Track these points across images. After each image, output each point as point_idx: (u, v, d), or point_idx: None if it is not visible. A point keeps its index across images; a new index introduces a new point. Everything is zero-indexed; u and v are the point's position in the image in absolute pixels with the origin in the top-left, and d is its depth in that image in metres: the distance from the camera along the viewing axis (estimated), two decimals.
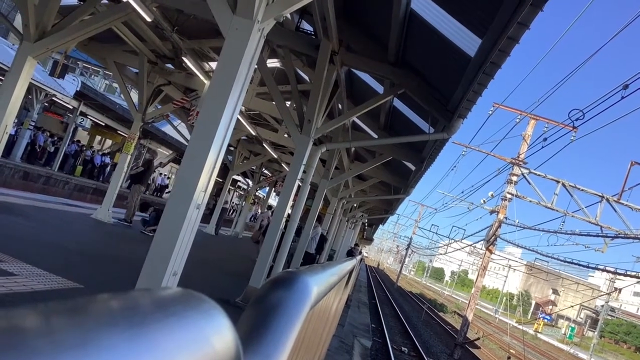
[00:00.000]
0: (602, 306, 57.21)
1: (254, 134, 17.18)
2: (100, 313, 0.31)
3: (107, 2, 10.71)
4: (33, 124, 24.83)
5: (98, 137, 37.85)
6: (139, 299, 0.35)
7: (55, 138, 28.60)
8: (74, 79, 26.27)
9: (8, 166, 21.37)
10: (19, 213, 10.69)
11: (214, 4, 4.77)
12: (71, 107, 27.08)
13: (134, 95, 15.75)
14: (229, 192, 27.87)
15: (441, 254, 69.36)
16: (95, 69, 43.48)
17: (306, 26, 9.77)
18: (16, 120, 11.85)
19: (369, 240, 64.61)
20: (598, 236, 21.91)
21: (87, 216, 13.52)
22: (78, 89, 25.56)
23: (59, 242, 9.35)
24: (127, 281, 7.93)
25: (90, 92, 26.75)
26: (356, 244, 36.59)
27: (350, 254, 33.05)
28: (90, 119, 31.93)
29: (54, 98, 24.91)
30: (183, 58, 12.04)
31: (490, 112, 21.30)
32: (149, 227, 14.43)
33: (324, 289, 1.27)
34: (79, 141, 31.14)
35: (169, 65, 14.12)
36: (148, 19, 9.61)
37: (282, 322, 0.63)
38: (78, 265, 7.97)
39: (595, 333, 54.12)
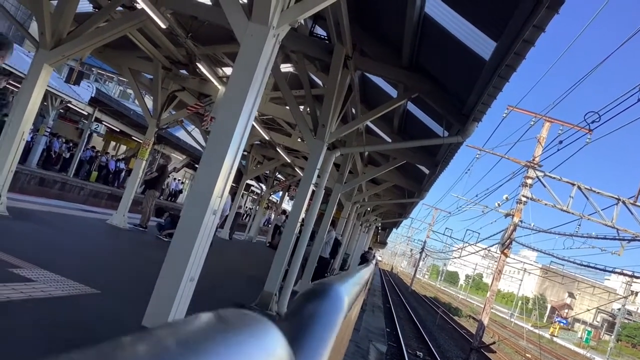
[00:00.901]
0: (619, 309, 56.64)
1: (267, 138, 17.22)
2: (177, 337, 0.33)
3: (121, 9, 10.79)
4: (49, 130, 25.05)
5: (112, 143, 38.14)
6: (207, 321, 0.36)
7: (71, 144, 28.84)
8: (88, 86, 26.49)
9: (24, 172, 21.58)
10: (36, 219, 10.78)
11: (230, 10, 4.79)
12: (86, 113, 27.31)
13: (148, 101, 15.86)
14: (242, 196, 27.94)
15: (455, 257, 69.06)
16: (110, 75, 43.84)
17: (319, 31, 9.79)
18: (32, 127, 11.96)
19: (383, 244, 64.44)
20: (615, 239, 21.69)
21: (102, 222, 13.61)
22: (93, 95, 25.77)
23: (76, 247, 9.42)
24: (143, 286, 7.96)
25: (104, 98, 26.96)
26: (370, 248, 36.48)
27: (364, 258, 33.05)
28: (105, 125, 32.20)
29: (69, 104, 25.13)
30: (197, 64, 12.10)
31: (504, 115, 21.19)
32: (164, 232, 14.50)
33: (352, 298, 1.28)
34: (94, 147, 31.39)
35: (183, 71, 14.20)
36: (163, 26, 9.68)
37: (319, 333, 0.64)
38: (95, 271, 8.03)
39: (612, 337, 53.55)
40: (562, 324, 64.77)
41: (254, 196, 45.09)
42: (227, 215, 18.45)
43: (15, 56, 22.22)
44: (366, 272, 4.97)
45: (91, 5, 11.14)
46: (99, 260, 9.13)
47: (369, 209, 28.39)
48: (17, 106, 9.64)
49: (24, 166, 21.53)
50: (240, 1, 4.91)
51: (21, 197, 13.02)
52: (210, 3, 10.49)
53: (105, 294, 6.74)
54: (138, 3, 9.00)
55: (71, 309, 5.64)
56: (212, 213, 4.69)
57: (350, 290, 1.29)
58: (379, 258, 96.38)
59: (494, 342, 28.44)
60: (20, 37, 30.40)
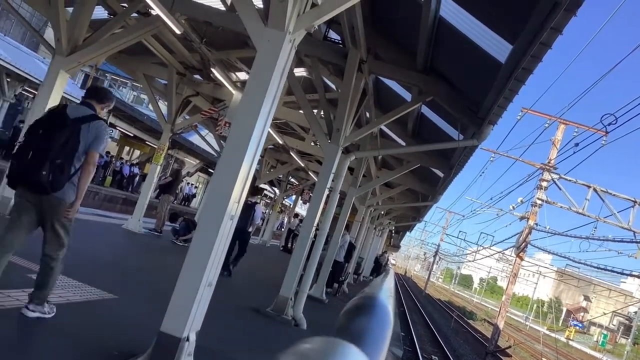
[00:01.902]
0: (636, 313, 56.03)
1: (281, 142, 17.24)
2: None
3: (136, 15, 10.86)
4: None
5: (127, 148, 38.40)
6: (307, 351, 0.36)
7: None
8: None
9: None
10: None
11: (246, 16, 4.80)
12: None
13: (162, 107, 15.95)
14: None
15: (469, 260, 68.70)
16: (124, 80, 44.15)
17: (333, 35, 9.79)
18: None
19: (396, 247, 64.30)
20: (631, 242, 21.49)
21: (118, 226, 13.69)
22: None
23: (92, 252, 9.48)
24: (160, 291, 7.99)
25: (118, 103, 27.14)
26: (384, 252, 36.34)
27: (377, 263, 32.97)
28: (119, 130, 32.41)
29: None
30: (211, 69, 12.15)
31: (519, 117, 21.09)
32: (179, 236, 14.56)
33: (393, 311, 1.26)
34: (108, 152, 31.62)
35: (197, 77, 14.27)
36: (177, 32, 9.73)
37: (371, 349, 0.63)
38: (111, 276, 8.07)
39: (629, 340, 53.03)
40: (578, 328, 64.20)
41: (267, 200, 45.14)
42: (258, 224, 18.15)
43: (30, 62, 22.47)
44: (392, 282, 4.97)
45: (106, 12, 11.23)
46: (115, 265, 9.17)
47: (382, 212, 28.35)
48: (33, 112, 9.73)
49: None
50: (256, 7, 4.92)
51: None
52: (224, 9, 10.54)
53: (123, 299, 6.77)
54: (153, 9, 9.04)
55: (90, 315, 5.67)
56: (230, 218, 4.70)
57: (392, 303, 1.28)
58: (393, 262, 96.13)
59: (509, 346, 28.24)
60: (35, 43, 30.72)
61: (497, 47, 6.84)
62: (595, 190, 21.24)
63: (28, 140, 4.59)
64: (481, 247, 40.40)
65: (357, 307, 0.79)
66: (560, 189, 21.49)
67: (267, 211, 33.59)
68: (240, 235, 12.05)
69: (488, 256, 39.53)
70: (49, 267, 4.79)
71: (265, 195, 44.57)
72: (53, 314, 4.98)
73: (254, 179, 22.55)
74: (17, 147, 4.64)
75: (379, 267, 32.54)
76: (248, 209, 12.16)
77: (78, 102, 4.86)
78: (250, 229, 12.59)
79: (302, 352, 0.40)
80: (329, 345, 0.42)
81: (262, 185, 23.00)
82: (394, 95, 12.04)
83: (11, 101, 22.25)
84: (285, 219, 39.73)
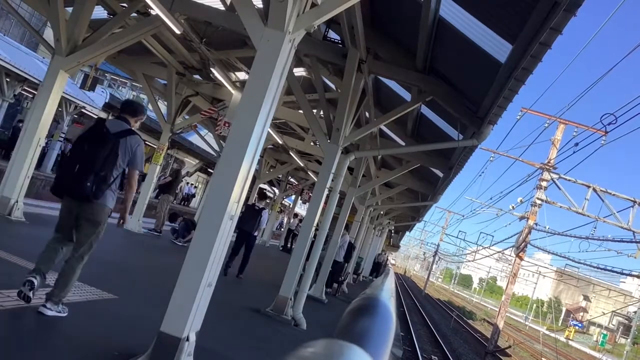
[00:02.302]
0: (635, 312, 56.04)
1: (280, 142, 17.24)
2: None
3: (136, 15, 10.86)
4: (63, 135, 25.25)
5: None
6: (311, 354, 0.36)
7: None
8: (102, 91, 26.72)
9: (39, 177, 21.74)
10: (52, 225, 10.82)
11: (246, 16, 4.79)
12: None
13: (162, 106, 15.94)
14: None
15: (469, 260, 68.71)
16: (123, 80, 44.09)
17: (333, 35, 9.79)
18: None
19: (396, 247, 64.31)
20: (631, 242, 21.50)
21: (117, 226, 13.66)
22: (107, 101, 25.96)
23: (93, 253, 9.45)
24: (160, 291, 7.99)
25: (118, 103, 27.12)
26: (383, 251, 36.27)
27: (375, 262, 32.93)
28: None
29: (83, 110, 25.32)
30: (211, 69, 12.15)
31: (519, 117, 21.10)
32: (178, 236, 14.56)
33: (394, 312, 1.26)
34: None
35: (197, 76, 14.27)
36: (177, 32, 9.73)
37: (373, 352, 0.62)
38: (111, 276, 8.06)
39: (628, 340, 53.01)
40: (577, 327, 64.21)
41: (266, 200, 45.11)
42: (264, 228, 18.13)
43: (30, 62, 22.45)
44: (392, 282, 4.97)
45: (106, 11, 11.23)
46: (115, 265, 9.17)
47: (382, 212, 28.35)
48: (33, 112, 9.73)
49: (39, 171, 21.69)
50: (256, 7, 4.92)
51: (37, 203, 13.12)
52: (224, 9, 10.54)
53: (123, 299, 6.77)
54: (152, 9, 9.04)
55: (89, 315, 5.66)
56: (230, 218, 4.69)
57: (393, 304, 1.28)
58: (392, 261, 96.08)
59: (509, 346, 28.25)
60: (34, 43, 30.70)
61: (497, 47, 6.84)
62: (594, 190, 21.25)
63: (74, 154, 5.12)
64: (481, 247, 40.42)
65: (359, 308, 0.79)
66: (559, 188, 21.51)
67: (266, 211, 33.54)
68: (247, 239, 12.36)
69: (487, 256, 39.53)
70: (72, 269, 5.15)
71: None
72: (66, 314, 5.18)
73: (255, 183, 22.56)
74: (63, 160, 4.92)
75: (378, 267, 32.54)
76: (256, 214, 12.42)
77: (114, 117, 5.47)
78: (256, 233, 12.77)
79: (306, 355, 0.39)
80: (333, 348, 0.42)
81: (261, 185, 22.99)
82: (393, 95, 12.04)
83: (10, 101, 22.22)
84: (285, 219, 39.72)
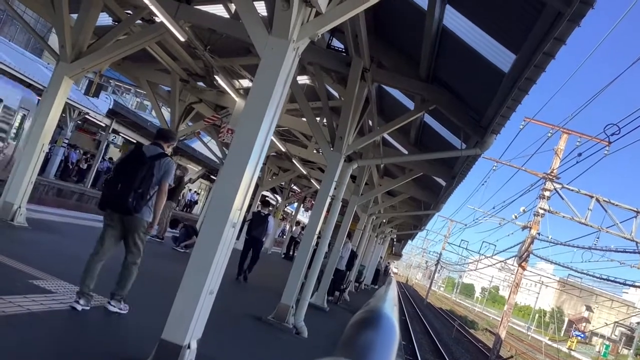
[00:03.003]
0: (638, 323, 55.79)
1: (283, 150, 17.25)
2: None
3: (141, 22, 10.89)
4: (66, 141, 25.31)
5: None
6: None
7: (88, 155, 29.08)
8: (106, 97, 26.76)
9: (42, 183, 21.79)
10: (55, 230, 10.86)
11: (250, 24, 4.81)
12: (103, 125, 27.54)
13: (166, 113, 15.96)
14: (257, 207, 27.98)
15: (471, 270, 68.53)
16: (127, 87, 44.21)
17: (337, 43, 9.81)
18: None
19: (398, 255, 64.19)
20: (634, 252, 21.45)
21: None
22: (110, 107, 26.02)
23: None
24: (162, 298, 7.97)
25: (122, 110, 27.20)
26: (381, 257, 36.04)
27: (376, 270, 32.76)
28: (122, 136, 32.43)
29: (86, 116, 25.39)
30: (215, 76, 12.17)
31: (522, 127, 21.10)
32: (180, 243, 14.55)
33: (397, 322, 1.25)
34: (111, 158, 31.65)
35: (201, 83, 14.29)
36: (181, 39, 9.75)
37: None
38: (113, 282, 8.04)
39: (631, 351, 52.81)
40: (579, 338, 63.90)
41: (269, 207, 45.08)
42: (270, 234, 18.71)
43: (34, 68, 22.53)
44: (395, 292, 4.95)
45: (111, 18, 11.27)
46: (116, 271, 9.13)
47: (384, 220, 28.30)
48: (37, 118, 9.75)
49: (42, 177, 21.74)
50: (260, 15, 4.93)
51: (40, 209, 13.12)
52: (228, 17, 10.57)
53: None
54: (157, 17, 9.07)
55: (91, 321, 5.65)
56: (232, 226, 4.69)
57: (396, 315, 1.27)
58: (395, 270, 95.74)
59: (512, 356, 28.14)
60: (39, 49, 30.84)
61: (501, 57, 6.85)
62: (597, 200, 21.20)
63: (117, 174, 6.00)
64: (483, 257, 40.33)
65: (362, 321, 0.78)
66: (562, 198, 21.47)
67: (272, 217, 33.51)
68: (255, 244, 13.16)
69: (490, 265, 39.41)
70: (129, 272, 6.23)
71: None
72: (126, 311, 6.20)
73: (258, 190, 22.57)
74: (108, 180, 6.39)
75: (377, 275, 32.40)
76: (262, 220, 13.24)
77: (150, 143, 6.37)
78: (264, 239, 13.50)
79: None
80: None
81: (264, 193, 23.02)
82: (396, 104, 12.04)
83: None
84: (287, 226, 39.68)
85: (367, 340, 0.67)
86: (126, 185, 5.78)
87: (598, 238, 22.27)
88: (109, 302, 6.10)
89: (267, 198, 16.71)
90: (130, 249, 6.19)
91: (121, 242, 6.22)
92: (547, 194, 21.81)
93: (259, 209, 13.69)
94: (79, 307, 5.66)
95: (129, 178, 5.81)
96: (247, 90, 13.30)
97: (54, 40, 13.54)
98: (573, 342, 58.39)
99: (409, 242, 62.36)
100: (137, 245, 6.13)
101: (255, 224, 13.15)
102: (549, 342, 44.84)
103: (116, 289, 6.17)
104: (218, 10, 10.94)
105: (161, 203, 6.09)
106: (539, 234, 22.47)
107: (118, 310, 6.09)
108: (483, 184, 29.50)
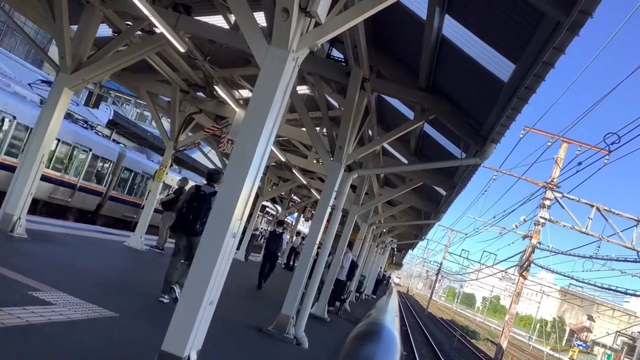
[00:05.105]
0: None
1: (283, 160, 17.24)
2: None
3: (140, 33, 10.92)
4: None
5: None
6: None
7: None
8: (106, 108, 26.78)
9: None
10: (54, 242, 10.84)
11: (250, 34, 4.82)
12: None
13: (166, 124, 15.97)
14: (257, 217, 27.96)
15: (472, 279, 68.30)
16: (127, 97, 44.29)
17: (336, 53, 9.83)
18: None
19: (398, 265, 64.05)
20: (635, 261, 21.40)
21: (120, 244, 13.66)
22: (110, 118, 26.03)
23: (94, 270, 9.45)
24: (162, 309, 7.95)
25: (122, 120, 27.21)
26: (380, 267, 35.84)
27: (376, 280, 32.61)
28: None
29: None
30: (214, 86, 12.18)
31: (521, 136, 21.11)
32: None
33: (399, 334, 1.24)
34: None
35: (200, 94, 14.31)
36: (181, 50, 9.76)
37: None
38: (113, 293, 8.03)
39: None
40: (581, 348, 63.60)
41: (269, 217, 45.05)
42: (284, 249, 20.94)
43: (35, 79, 22.55)
44: (396, 302, 4.93)
45: (111, 29, 11.29)
46: (117, 282, 9.13)
47: (385, 230, 28.26)
48: (37, 129, 9.74)
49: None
50: (259, 25, 4.94)
51: (39, 220, 13.11)
52: (228, 27, 10.60)
53: (124, 317, 6.72)
54: (157, 28, 9.09)
55: (91, 333, 5.62)
56: (232, 236, 4.68)
57: (397, 327, 1.26)
58: (396, 280, 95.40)
59: None
60: (39, 60, 30.93)
61: (500, 66, 6.85)
62: (598, 209, 21.17)
63: (188, 208, 8.48)
64: (484, 266, 40.24)
65: (363, 334, 0.77)
66: (563, 207, 21.44)
67: (269, 228, 33.48)
68: (272, 259, 15.63)
69: (491, 275, 39.31)
70: (184, 273, 8.24)
71: (267, 213, 44.50)
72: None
73: (258, 200, 22.53)
74: (181, 211, 8.56)
75: (378, 285, 32.27)
76: (278, 238, 15.68)
77: (205, 183, 8.82)
78: (279, 253, 16.06)
79: None
80: None
81: (264, 203, 23.05)
82: (396, 114, 12.05)
83: None
84: (287, 236, 39.61)
85: (367, 355, 0.66)
86: (195, 216, 8.34)
87: (599, 247, 22.22)
88: (172, 289, 8.40)
89: (282, 219, 21.45)
90: (189, 257, 8.12)
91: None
92: (547, 203, 21.78)
93: (275, 227, 16.88)
94: (165, 300, 8.30)
95: (196, 210, 8.36)
96: (247, 101, 13.30)
97: (54, 52, 13.57)
98: (575, 351, 58.12)
99: (410, 251, 62.26)
100: (193, 254, 6.84)
101: (272, 241, 15.67)
102: (551, 352, 44.63)
103: (180, 279, 8.32)
104: (218, 21, 10.97)
105: None
106: (539, 243, 22.42)
107: (178, 293, 8.18)
108: (483, 194, 29.48)
